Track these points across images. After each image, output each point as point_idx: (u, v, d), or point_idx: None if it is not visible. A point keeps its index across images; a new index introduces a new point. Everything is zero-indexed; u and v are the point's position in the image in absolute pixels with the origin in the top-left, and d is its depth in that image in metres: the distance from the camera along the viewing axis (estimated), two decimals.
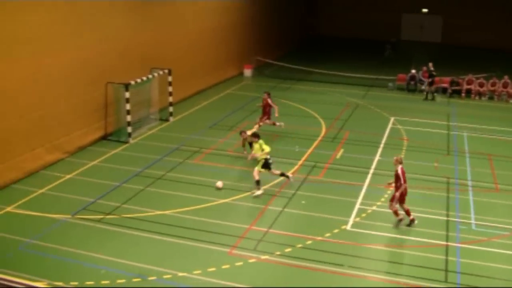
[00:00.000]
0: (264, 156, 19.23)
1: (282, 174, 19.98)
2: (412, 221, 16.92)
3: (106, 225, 16.69)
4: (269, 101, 24.42)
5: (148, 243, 15.71)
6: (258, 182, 18.98)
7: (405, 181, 16.59)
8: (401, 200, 16.78)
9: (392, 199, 16.87)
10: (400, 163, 16.78)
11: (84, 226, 16.63)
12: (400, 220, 17.00)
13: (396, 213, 17.02)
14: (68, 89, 22.36)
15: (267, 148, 19.30)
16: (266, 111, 24.52)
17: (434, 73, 34.27)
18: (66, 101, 22.27)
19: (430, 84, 34.14)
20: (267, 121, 24.60)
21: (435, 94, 34.28)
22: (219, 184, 19.28)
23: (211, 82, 34.90)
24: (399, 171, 16.62)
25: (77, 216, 17.17)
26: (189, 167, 21.48)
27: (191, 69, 32.01)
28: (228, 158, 22.52)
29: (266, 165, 19.29)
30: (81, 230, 16.38)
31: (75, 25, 22.43)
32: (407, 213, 16.95)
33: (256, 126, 24.34)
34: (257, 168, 19.15)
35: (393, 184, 16.97)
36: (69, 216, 17.14)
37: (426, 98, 34.15)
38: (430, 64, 34.74)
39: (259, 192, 18.96)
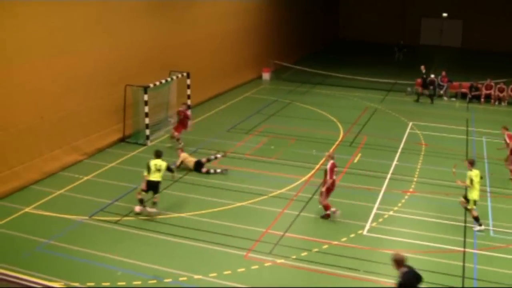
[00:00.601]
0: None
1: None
2: (334, 212, 17.49)
3: (123, 227, 16.79)
4: (188, 113, 24.07)
5: (165, 245, 15.77)
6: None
7: (331, 177, 16.98)
8: (327, 194, 17.25)
9: (320, 194, 17.36)
10: (332, 158, 17.26)
11: (101, 227, 16.74)
12: (334, 211, 17.42)
13: (326, 207, 17.44)
14: (87, 91, 22.57)
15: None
16: (184, 122, 24.00)
17: (425, 76, 34.65)
18: (85, 103, 22.48)
19: (424, 87, 34.46)
20: (176, 133, 23.83)
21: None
22: (137, 209, 17.70)
23: (229, 85, 35.00)
24: (328, 166, 17.07)
25: (95, 218, 17.29)
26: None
27: (210, 72, 32.12)
28: (245, 162, 22.54)
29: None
30: (98, 232, 16.49)
31: (94, 27, 22.65)
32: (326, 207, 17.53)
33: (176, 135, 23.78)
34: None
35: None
36: (87, 217, 17.26)
37: (417, 100, 34.37)
38: (422, 67, 34.91)
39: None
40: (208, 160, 21.55)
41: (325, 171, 17.19)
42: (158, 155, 17.55)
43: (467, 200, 17.10)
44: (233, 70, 35.45)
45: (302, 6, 47.62)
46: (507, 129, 21.83)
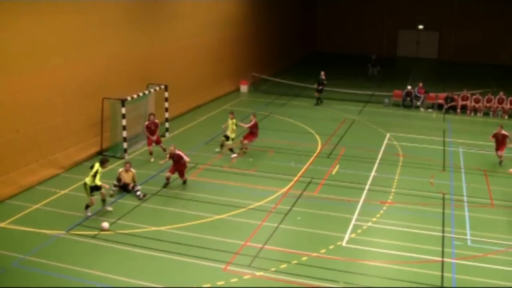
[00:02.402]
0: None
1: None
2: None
3: (101, 241, 16.63)
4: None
5: (143, 259, 15.64)
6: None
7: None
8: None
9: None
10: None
11: (78, 242, 16.57)
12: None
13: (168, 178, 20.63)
14: (65, 104, 22.41)
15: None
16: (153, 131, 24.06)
17: (324, 82, 35.87)
18: (62, 116, 22.32)
19: (319, 91, 35.75)
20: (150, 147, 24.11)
21: (323, 100, 36.16)
22: (105, 225, 17.35)
23: (207, 98, 34.99)
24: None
25: (72, 232, 17.12)
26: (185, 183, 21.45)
27: (188, 85, 32.11)
28: (224, 174, 22.48)
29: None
30: (76, 246, 16.32)
31: (72, 40, 22.53)
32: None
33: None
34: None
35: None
36: (64, 232, 17.08)
37: (317, 104, 35.85)
38: (322, 73, 35.90)
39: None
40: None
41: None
42: (101, 161, 18.36)
43: None
44: (211, 83, 35.45)
45: (280, 19, 47.85)
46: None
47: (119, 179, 20.48)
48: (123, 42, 25.97)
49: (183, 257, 15.70)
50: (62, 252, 15.98)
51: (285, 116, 32.36)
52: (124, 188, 20.45)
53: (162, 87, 26.94)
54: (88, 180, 17.77)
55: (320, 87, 35.90)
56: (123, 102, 23.55)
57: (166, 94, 27.33)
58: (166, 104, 27.52)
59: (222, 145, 25.10)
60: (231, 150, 24.67)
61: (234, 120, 24.70)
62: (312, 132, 28.98)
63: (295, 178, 22.15)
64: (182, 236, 16.97)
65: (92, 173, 17.71)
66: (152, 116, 24.00)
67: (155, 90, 26.47)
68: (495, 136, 24.35)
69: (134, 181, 20.52)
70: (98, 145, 24.38)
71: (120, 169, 20.97)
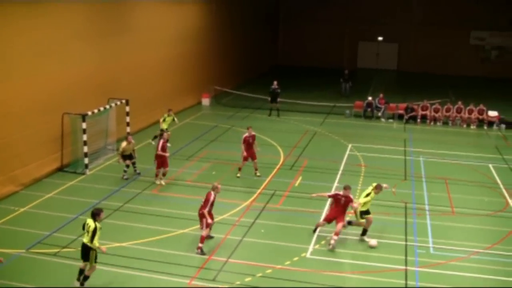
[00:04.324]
0: None
1: None
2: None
3: (63, 259, 16.35)
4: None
5: (106, 276, 15.41)
6: None
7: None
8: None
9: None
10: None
11: (39, 260, 16.26)
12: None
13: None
14: (23, 119, 21.98)
15: None
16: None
17: (278, 90, 36.04)
18: (21, 132, 21.88)
19: (272, 101, 36.13)
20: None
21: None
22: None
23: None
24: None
25: (32, 250, 16.78)
26: (147, 198, 21.28)
27: (149, 99, 31.88)
28: (187, 188, 22.35)
29: None
30: (36, 265, 16.01)
31: (31, 55, 22.18)
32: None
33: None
34: None
35: None
36: (24, 251, 16.73)
37: (270, 115, 36.22)
38: (275, 83, 36.17)
39: None
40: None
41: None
42: (92, 214, 14.66)
43: None
44: (173, 96, 35.22)
45: (242, 32, 47.91)
46: None
47: (123, 156, 22.92)
48: (83, 57, 25.70)
49: (147, 273, 15.53)
50: (22, 271, 15.66)
51: (245, 128, 32.24)
52: (130, 157, 23.18)
53: (123, 101, 26.74)
54: (86, 239, 14.52)
55: (274, 98, 36.00)
56: (83, 117, 23.29)
57: (127, 109, 27.13)
58: (128, 119, 27.31)
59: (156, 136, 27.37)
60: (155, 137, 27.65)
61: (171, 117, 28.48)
62: (275, 144, 29.03)
63: (258, 191, 22.16)
64: (146, 252, 16.79)
65: (90, 233, 14.34)
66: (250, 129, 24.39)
67: (116, 104, 26.25)
68: None
69: (133, 151, 23.37)
70: (58, 161, 24.03)
71: (123, 143, 22.89)
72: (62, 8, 23.91)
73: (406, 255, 16.90)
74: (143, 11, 31.00)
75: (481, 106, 34.89)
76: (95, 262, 14.57)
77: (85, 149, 23.58)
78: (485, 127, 34.37)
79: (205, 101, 39.14)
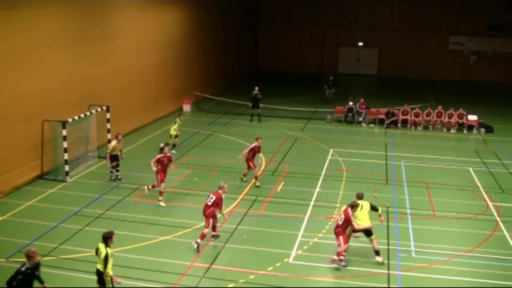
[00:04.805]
0: None
1: None
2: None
3: (43, 268, 16.05)
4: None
5: (89, 284, 15.24)
6: None
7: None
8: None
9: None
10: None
11: None
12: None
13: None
14: (3, 127, 21.78)
15: None
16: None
17: (259, 96, 36.08)
18: (0, 139, 21.67)
19: (254, 107, 36.02)
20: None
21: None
22: None
23: (150, 118, 34.66)
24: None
25: (12, 259, 16.54)
26: (128, 205, 21.15)
27: (130, 105, 31.77)
28: (169, 195, 22.23)
29: None
30: None
31: (10, 61, 21.98)
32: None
33: None
34: None
35: None
36: (3, 260, 16.52)
37: (251, 120, 36.23)
38: (256, 89, 36.27)
39: None
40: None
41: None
42: (103, 238, 13.72)
43: None
44: (154, 103, 35.18)
45: (222, 38, 47.94)
46: None
47: (111, 156, 23.24)
48: (63, 63, 25.52)
49: (129, 281, 15.38)
50: (2, 280, 15.43)
51: (228, 134, 32.33)
52: (116, 158, 23.42)
53: (104, 108, 26.60)
54: (99, 266, 13.54)
55: (256, 103, 36.01)
56: (64, 124, 23.12)
57: (108, 115, 26.99)
58: (108, 125, 27.16)
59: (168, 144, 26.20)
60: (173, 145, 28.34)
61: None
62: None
63: (240, 197, 22.12)
64: (128, 259, 16.66)
65: (102, 260, 13.40)
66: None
67: (96, 111, 26.11)
68: None
69: (121, 152, 23.60)
70: (38, 169, 23.81)
71: (113, 141, 23.30)
72: (41, 14, 23.73)
73: (388, 259, 16.95)
74: (124, 18, 30.92)
75: (461, 111, 35.18)
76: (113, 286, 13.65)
77: (66, 156, 23.40)
78: (465, 131, 34.65)
79: (186, 107, 39.02)
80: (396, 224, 19.71)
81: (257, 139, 23.97)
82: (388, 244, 17.97)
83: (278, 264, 16.48)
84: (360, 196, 17.53)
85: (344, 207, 16.98)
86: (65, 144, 23.27)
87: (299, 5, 59.67)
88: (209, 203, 17.53)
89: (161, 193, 21.27)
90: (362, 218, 16.82)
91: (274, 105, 38.46)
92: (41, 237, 18.10)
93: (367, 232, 16.88)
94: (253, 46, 61.60)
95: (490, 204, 21.94)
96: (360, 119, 36.41)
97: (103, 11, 28.84)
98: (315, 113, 38.35)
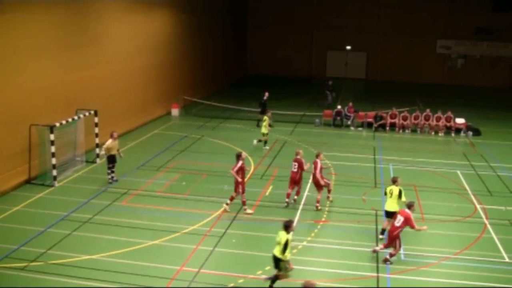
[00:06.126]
0: None
1: None
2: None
3: (31, 273, 16.06)
4: None
5: None
6: None
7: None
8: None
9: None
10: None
11: (6, 275, 15.91)
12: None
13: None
14: None
15: None
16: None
17: (262, 102, 35.94)
18: None
19: (262, 112, 34.88)
20: None
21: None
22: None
23: (138, 122, 34.56)
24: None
25: (0, 265, 16.46)
26: (117, 209, 21.03)
27: (118, 109, 31.66)
28: (157, 199, 22.17)
29: None
30: (4, 280, 15.66)
31: None
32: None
33: None
34: None
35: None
36: None
37: (258, 125, 35.42)
38: (267, 94, 36.41)
39: None
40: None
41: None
42: (284, 226, 14.73)
43: None
44: (142, 107, 35.11)
45: (211, 42, 47.92)
46: None
47: (109, 156, 23.49)
48: (50, 67, 25.40)
49: (118, 285, 15.34)
50: None
51: (217, 138, 32.29)
52: (114, 160, 23.69)
53: (92, 112, 26.49)
54: (277, 252, 14.75)
55: (262, 109, 35.62)
56: (51, 129, 23.00)
57: (96, 120, 26.87)
58: (96, 130, 27.04)
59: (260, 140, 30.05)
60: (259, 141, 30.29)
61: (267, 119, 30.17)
62: (245, 153, 28.95)
63: (228, 201, 22.04)
64: (116, 264, 16.58)
65: (281, 245, 14.56)
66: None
67: (84, 115, 26.00)
68: None
69: (118, 151, 23.87)
70: (26, 173, 23.66)
71: (108, 141, 23.28)
72: (28, 18, 23.59)
73: (377, 262, 16.98)
74: (112, 22, 30.81)
75: (449, 114, 35.32)
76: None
77: (53, 161, 23.27)
78: (453, 134, 34.79)
79: (175, 112, 38.96)
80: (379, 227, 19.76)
81: (318, 156, 22.36)
82: (371, 247, 18.01)
83: (267, 268, 16.43)
84: (393, 180, 18.73)
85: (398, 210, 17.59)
86: (52, 149, 23.14)
87: (287, 9, 59.77)
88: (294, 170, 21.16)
89: (245, 202, 20.89)
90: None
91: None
92: (29, 242, 17.97)
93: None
94: (242, 50, 61.57)
95: (478, 206, 22.02)
96: (349, 122, 36.48)
97: (90, 15, 28.72)
98: (303, 117, 38.39)
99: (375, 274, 16.24)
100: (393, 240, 16.76)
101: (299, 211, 21.09)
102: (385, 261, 16.83)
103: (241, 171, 20.51)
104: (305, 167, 21.34)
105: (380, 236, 18.66)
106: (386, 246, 17.09)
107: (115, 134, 23.70)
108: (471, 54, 58.17)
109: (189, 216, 20.16)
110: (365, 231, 19.23)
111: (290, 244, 14.55)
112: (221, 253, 17.59)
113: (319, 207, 21.22)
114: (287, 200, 21.45)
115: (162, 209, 21.10)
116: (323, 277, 16.14)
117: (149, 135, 32.74)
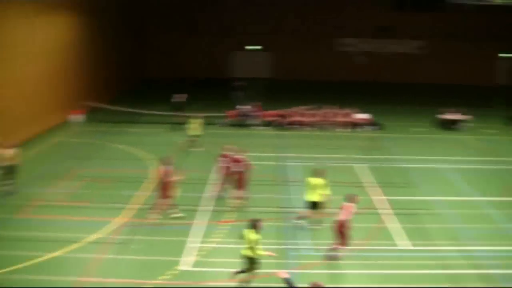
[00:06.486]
0: None
1: None
2: None
3: None
4: None
5: None
6: None
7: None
8: None
9: None
10: None
11: None
12: None
13: None
14: None
15: None
16: None
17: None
18: None
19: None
20: None
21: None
22: None
23: (36, 130, 33.15)
24: None
25: None
26: (15, 223, 20.10)
27: (14, 118, 30.29)
28: (58, 209, 21.40)
29: None
30: None
31: None
32: None
33: None
34: None
35: None
36: None
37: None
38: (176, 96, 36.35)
39: None
40: None
41: None
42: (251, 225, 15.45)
43: None
44: (40, 114, 33.81)
45: (109, 47, 46.99)
46: None
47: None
48: None
49: None
50: None
51: (121, 143, 31.61)
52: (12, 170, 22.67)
53: None
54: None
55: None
56: None
57: None
58: None
59: None
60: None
61: None
62: (147, 158, 28.46)
63: (130, 206, 21.61)
64: (15, 280, 15.86)
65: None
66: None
67: None
68: None
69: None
70: None
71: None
72: None
73: (280, 259, 17.05)
74: (3, 26, 29.54)
75: (350, 110, 36.20)
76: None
77: None
78: (355, 129, 35.63)
79: (77, 118, 37.74)
80: (287, 224, 19.97)
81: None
82: (285, 244, 18.26)
83: (175, 272, 16.26)
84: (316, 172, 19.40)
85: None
86: None
87: (188, 12, 59.62)
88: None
89: (164, 208, 20.65)
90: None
91: (164, 111, 38.09)
92: None
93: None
94: (142, 54, 60.58)
95: (381, 198, 22.59)
96: (253, 122, 36.66)
97: None
98: (210, 118, 38.20)
99: (279, 271, 16.28)
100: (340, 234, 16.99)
101: (204, 213, 20.98)
102: (331, 258, 17.09)
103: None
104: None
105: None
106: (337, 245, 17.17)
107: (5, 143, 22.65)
108: (373, 51, 60.49)
109: (93, 225, 19.62)
110: (270, 229, 19.22)
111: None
112: (124, 260, 17.24)
113: (233, 207, 21.33)
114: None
115: (64, 219, 20.38)
116: (233, 277, 16.01)
117: (49, 143, 31.63)
